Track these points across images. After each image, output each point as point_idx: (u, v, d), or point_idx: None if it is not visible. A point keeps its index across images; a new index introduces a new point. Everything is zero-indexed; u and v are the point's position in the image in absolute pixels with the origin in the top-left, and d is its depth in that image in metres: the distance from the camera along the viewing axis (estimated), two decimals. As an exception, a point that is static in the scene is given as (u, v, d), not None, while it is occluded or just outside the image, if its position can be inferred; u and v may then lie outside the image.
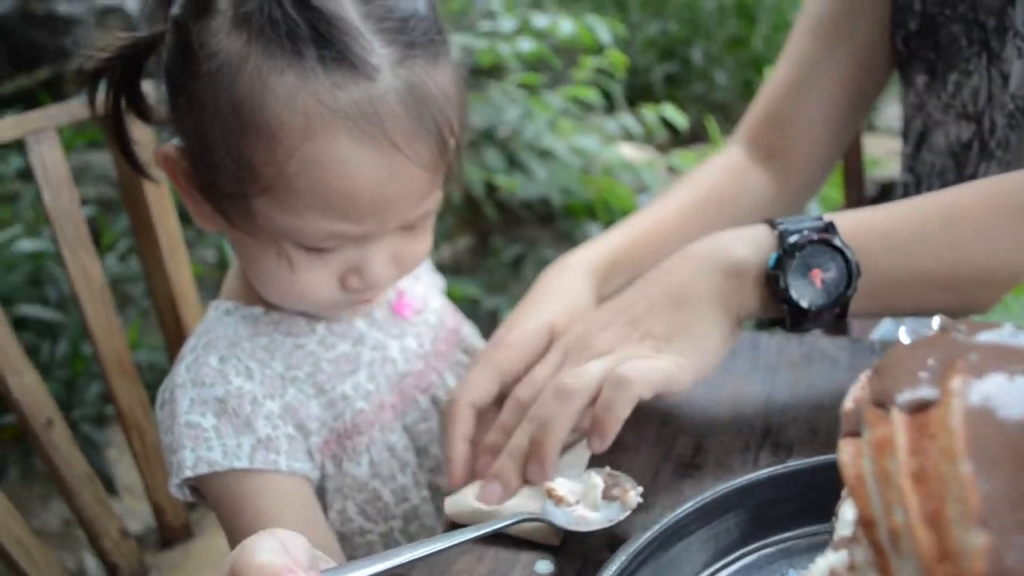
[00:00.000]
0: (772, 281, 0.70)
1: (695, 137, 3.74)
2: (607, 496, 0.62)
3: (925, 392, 0.32)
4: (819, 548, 0.47)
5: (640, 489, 0.62)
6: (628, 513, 0.60)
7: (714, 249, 0.73)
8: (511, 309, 0.84)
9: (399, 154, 0.65)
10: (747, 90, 4.40)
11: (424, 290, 0.89)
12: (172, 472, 0.72)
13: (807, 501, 0.57)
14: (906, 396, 0.33)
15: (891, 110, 4.06)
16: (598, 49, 2.47)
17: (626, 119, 2.72)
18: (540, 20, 2.31)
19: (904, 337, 0.71)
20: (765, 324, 0.75)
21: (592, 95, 2.43)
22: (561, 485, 0.63)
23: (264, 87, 0.63)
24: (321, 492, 0.78)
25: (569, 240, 2.35)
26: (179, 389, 0.73)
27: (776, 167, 0.99)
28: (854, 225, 0.71)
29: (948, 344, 0.35)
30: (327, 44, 0.62)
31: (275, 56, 0.62)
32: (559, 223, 2.42)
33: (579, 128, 2.47)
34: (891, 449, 0.32)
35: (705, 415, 0.77)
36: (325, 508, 0.78)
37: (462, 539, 0.57)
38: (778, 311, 0.71)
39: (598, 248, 0.88)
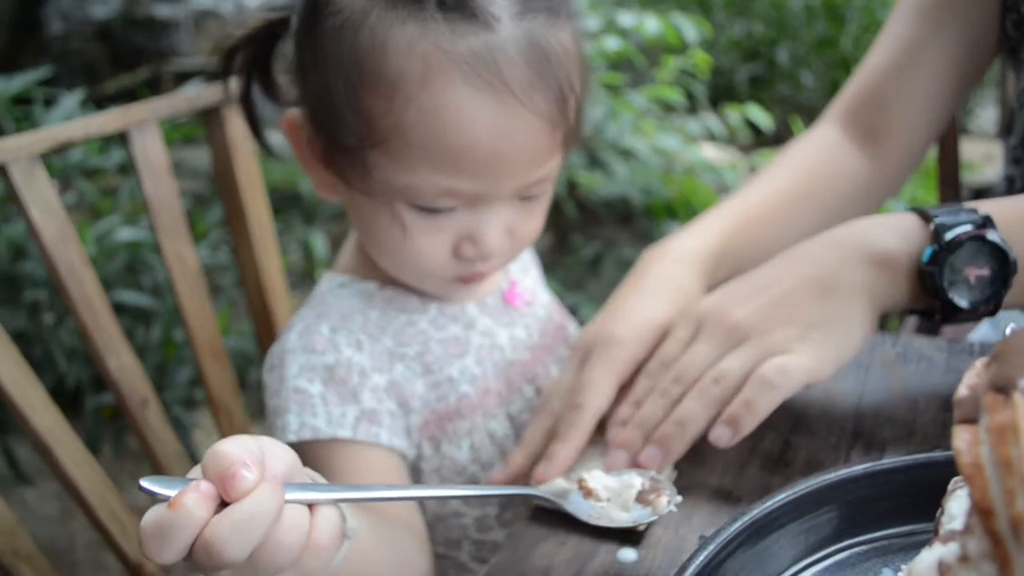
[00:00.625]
0: (925, 277, 0.68)
1: (779, 139, 3.68)
2: (641, 500, 0.59)
3: (1051, 376, 0.31)
4: (915, 548, 0.45)
5: (678, 499, 0.58)
6: (655, 518, 0.57)
7: (861, 238, 0.70)
8: (589, 306, 0.84)
9: (517, 103, 0.65)
10: (835, 91, 4.31)
11: (533, 283, 0.89)
12: (275, 434, 0.73)
13: (903, 500, 0.55)
14: (1031, 380, 0.31)
15: (985, 113, 3.93)
16: (682, 49, 2.44)
17: (709, 119, 2.69)
18: (626, 19, 2.30)
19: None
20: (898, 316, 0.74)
21: (675, 95, 2.40)
22: (596, 479, 0.61)
23: (385, 37, 0.64)
24: (416, 472, 0.78)
25: (648, 240, 2.33)
26: (289, 354, 0.74)
27: (873, 149, 0.96)
28: (1011, 217, 0.69)
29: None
30: None
31: (397, 7, 0.64)
32: (639, 222, 2.41)
33: (661, 128, 2.45)
34: (1014, 434, 0.31)
35: (794, 412, 0.76)
36: None
37: (443, 494, 0.59)
38: (927, 304, 0.70)
39: (702, 237, 0.85)
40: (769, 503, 0.54)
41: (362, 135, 0.67)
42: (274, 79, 0.79)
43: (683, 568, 0.50)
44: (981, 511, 0.32)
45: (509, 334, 0.83)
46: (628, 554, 0.60)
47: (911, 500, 0.55)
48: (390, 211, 0.70)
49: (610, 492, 0.60)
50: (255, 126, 0.82)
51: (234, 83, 0.80)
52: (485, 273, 0.75)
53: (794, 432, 0.73)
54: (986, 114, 3.88)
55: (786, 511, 0.55)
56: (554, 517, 0.64)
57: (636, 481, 0.60)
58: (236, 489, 0.43)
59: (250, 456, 0.44)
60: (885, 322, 0.76)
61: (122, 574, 1.65)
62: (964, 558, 0.33)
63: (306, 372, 0.73)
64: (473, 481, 0.78)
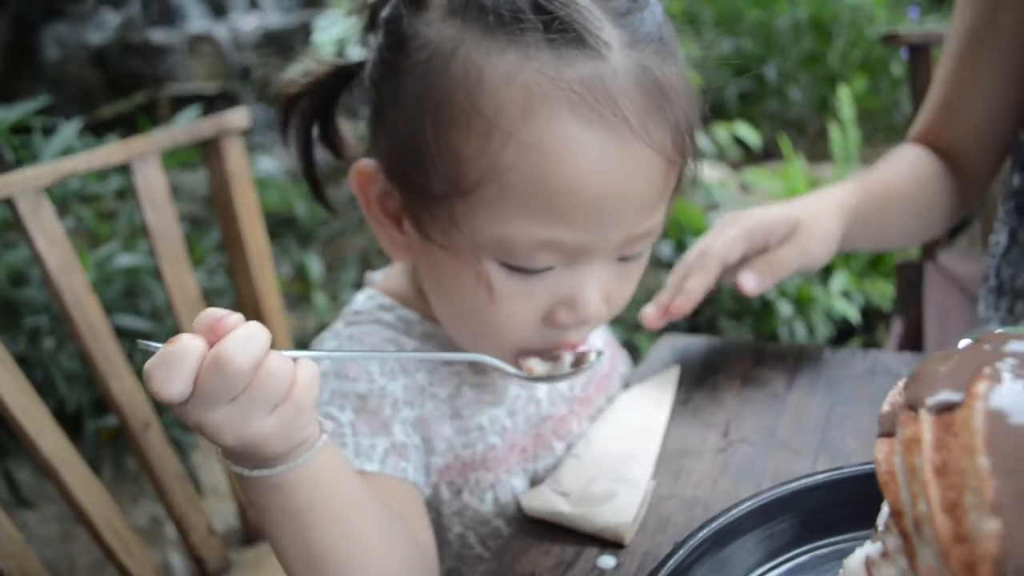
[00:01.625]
0: None
1: (768, 154, 3.72)
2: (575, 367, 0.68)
3: (951, 395, 0.35)
4: (870, 551, 0.49)
5: (604, 356, 0.71)
6: (585, 369, 0.67)
7: None
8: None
9: (632, 136, 0.58)
10: (823, 106, 4.36)
11: (596, 337, 0.84)
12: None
13: (861, 507, 0.59)
14: (934, 398, 0.36)
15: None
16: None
17: (698, 137, 2.73)
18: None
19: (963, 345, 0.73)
20: (833, 339, 0.80)
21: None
22: (536, 364, 0.67)
23: (481, 68, 0.58)
24: (434, 511, 0.75)
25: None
26: (321, 377, 0.64)
27: (958, 169, 1.03)
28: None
29: (977, 354, 0.37)
30: (552, 19, 0.57)
31: (494, 35, 0.57)
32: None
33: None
34: (918, 445, 0.35)
35: (765, 425, 0.80)
36: (442, 527, 0.75)
37: (412, 356, 0.69)
38: None
39: (845, 191, 0.95)
40: (734, 511, 0.58)
41: (451, 180, 0.60)
42: (337, 130, 0.73)
43: (654, 572, 0.53)
44: (894, 512, 0.36)
45: (550, 387, 0.78)
46: (608, 560, 0.64)
47: (870, 507, 0.58)
48: (476, 271, 0.62)
49: (547, 368, 0.67)
50: (315, 183, 0.75)
51: (291, 135, 0.73)
52: (568, 346, 0.67)
53: (766, 444, 0.77)
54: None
55: (750, 518, 0.58)
56: (539, 528, 0.68)
57: (567, 358, 0.67)
58: (225, 326, 0.47)
59: (226, 314, 0.48)
60: (873, 338, 0.82)
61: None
62: (884, 553, 0.38)
63: (337, 399, 0.69)
64: (497, 533, 0.75)
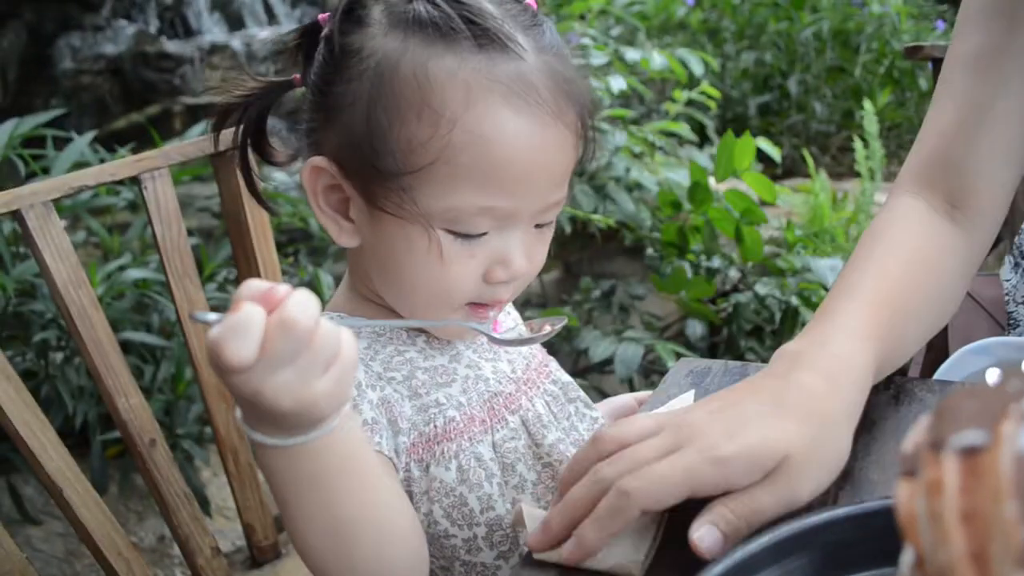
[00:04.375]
0: None
1: (788, 170, 3.69)
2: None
3: (977, 436, 0.33)
4: (893, 591, 0.46)
5: (560, 324, 0.80)
6: (538, 338, 0.80)
7: None
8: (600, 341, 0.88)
9: (551, 119, 0.73)
10: (846, 120, 4.33)
11: (515, 323, 0.94)
12: None
13: (884, 543, 0.56)
14: (959, 439, 0.33)
15: None
16: (692, 83, 2.46)
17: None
18: (632, 55, 2.33)
19: (991, 377, 0.69)
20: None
21: (682, 128, 2.42)
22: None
23: (425, 70, 0.71)
24: (408, 494, 0.79)
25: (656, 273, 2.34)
26: None
27: (959, 215, 0.89)
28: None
29: (1004, 391, 0.35)
30: (480, 30, 0.71)
31: (434, 43, 0.72)
32: (648, 258, 2.42)
33: (669, 162, 2.47)
34: (941, 490, 0.32)
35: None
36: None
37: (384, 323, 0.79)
38: None
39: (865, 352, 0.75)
40: (749, 546, 0.55)
41: (405, 161, 0.72)
42: (268, 140, 0.84)
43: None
44: (917, 560, 0.34)
45: (493, 367, 0.86)
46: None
47: (893, 544, 0.55)
48: (427, 238, 0.74)
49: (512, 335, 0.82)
50: (250, 180, 0.87)
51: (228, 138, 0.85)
52: (502, 301, 0.81)
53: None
54: None
55: (766, 554, 0.56)
56: (545, 564, 0.66)
57: (523, 329, 0.82)
58: (277, 294, 0.53)
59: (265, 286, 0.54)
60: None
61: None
62: None
63: None
64: (461, 502, 0.79)
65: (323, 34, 0.77)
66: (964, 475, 0.32)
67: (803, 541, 0.57)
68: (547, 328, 0.79)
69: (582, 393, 0.92)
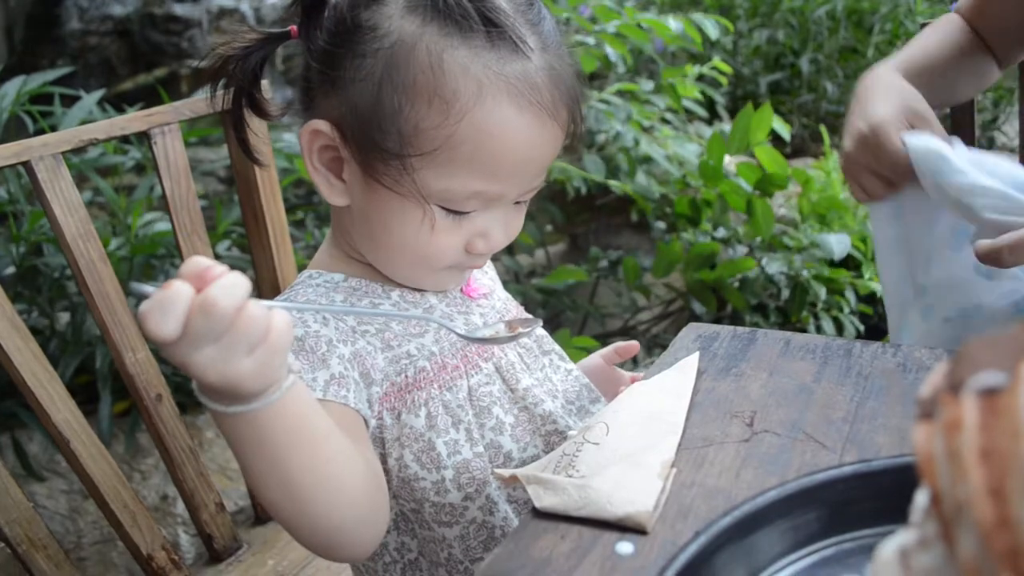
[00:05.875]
0: None
1: (797, 148, 3.67)
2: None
3: (995, 377, 0.33)
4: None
5: (534, 327, 0.82)
6: (512, 337, 0.80)
7: None
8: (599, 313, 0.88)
9: (549, 119, 0.77)
10: (857, 101, 4.28)
11: (491, 282, 0.97)
12: None
13: (889, 501, 0.56)
14: (977, 380, 0.34)
15: (1011, 129, 3.91)
16: (703, 58, 2.44)
17: (727, 128, 2.69)
18: (647, 16, 2.29)
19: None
20: (862, 333, 0.75)
21: (696, 93, 2.40)
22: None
23: (441, 60, 0.73)
24: (380, 442, 0.82)
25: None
26: None
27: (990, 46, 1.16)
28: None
29: (1022, 336, 0.35)
30: (494, 26, 0.74)
31: (450, 34, 0.74)
32: (654, 230, 2.42)
33: (679, 137, 2.45)
34: (960, 428, 0.33)
35: (793, 417, 0.77)
36: (384, 456, 0.82)
37: (369, 311, 0.80)
38: None
39: (895, 62, 1.09)
40: (758, 500, 0.56)
41: (410, 143, 0.75)
42: (263, 96, 0.85)
43: (674, 559, 0.51)
44: (933, 497, 0.34)
45: (465, 320, 0.89)
46: (625, 547, 0.61)
47: (898, 503, 0.56)
48: (422, 212, 0.78)
49: (489, 332, 0.82)
50: (244, 138, 0.87)
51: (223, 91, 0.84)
52: (478, 266, 0.88)
53: (791, 436, 0.74)
54: (1011, 129, 3.86)
55: (775, 507, 0.56)
56: (555, 514, 0.66)
57: (503, 328, 0.82)
58: (211, 273, 0.54)
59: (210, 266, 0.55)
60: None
61: (129, 571, 1.68)
62: (922, 541, 0.36)
63: None
64: (429, 447, 0.82)
65: (333, 2, 0.78)
66: (983, 414, 0.33)
67: (810, 497, 0.57)
68: (521, 331, 0.81)
69: (557, 346, 0.95)
